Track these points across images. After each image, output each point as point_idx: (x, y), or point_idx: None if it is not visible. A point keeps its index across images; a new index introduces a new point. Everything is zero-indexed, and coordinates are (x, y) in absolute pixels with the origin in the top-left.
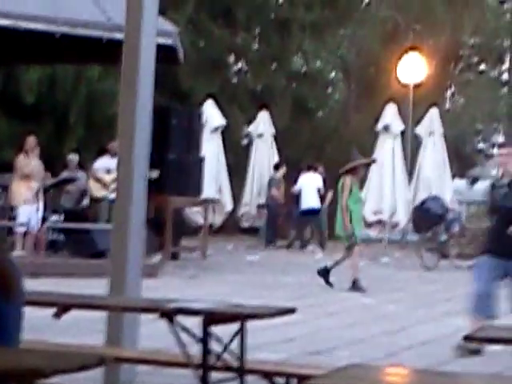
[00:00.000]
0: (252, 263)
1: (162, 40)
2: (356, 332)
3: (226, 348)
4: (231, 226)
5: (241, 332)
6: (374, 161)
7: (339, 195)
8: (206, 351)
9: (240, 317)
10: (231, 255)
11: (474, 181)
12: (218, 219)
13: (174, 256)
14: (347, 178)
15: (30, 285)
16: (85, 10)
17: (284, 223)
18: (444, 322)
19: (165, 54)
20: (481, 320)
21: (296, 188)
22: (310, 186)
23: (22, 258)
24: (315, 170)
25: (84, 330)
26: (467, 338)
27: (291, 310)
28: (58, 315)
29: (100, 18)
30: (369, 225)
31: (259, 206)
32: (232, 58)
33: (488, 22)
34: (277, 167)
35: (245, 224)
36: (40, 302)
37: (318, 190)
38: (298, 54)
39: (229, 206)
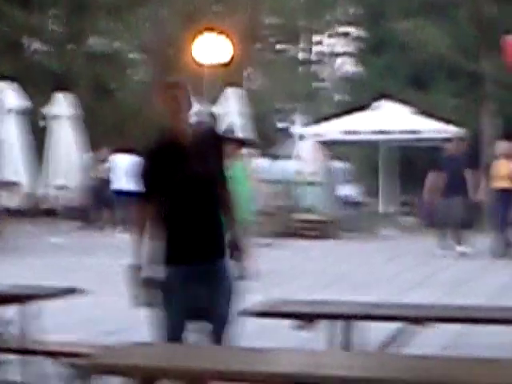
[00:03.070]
0: (56, 246)
1: None
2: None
3: (5, 329)
4: (30, 209)
5: (21, 312)
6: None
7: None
8: None
9: (20, 298)
10: (32, 238)
11: (274, 159)
12: (15, 201)
13: None
14: None
15: None
16: None
17: (100, 204)
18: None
19: None
20: None
21: (108, 167)
22: (121, 167)
23: None
24: (128, 151)
25: None
26: (249, 314)
27: (71, 290)
28: None
29: None
30: None
31: (57, 188)
32: (28, 39)
33: (285, 2)
34: (87, 149)
35: (43, 206)
36: None
37: (128, 171)
38: (98, 34)
39: (27, 188)
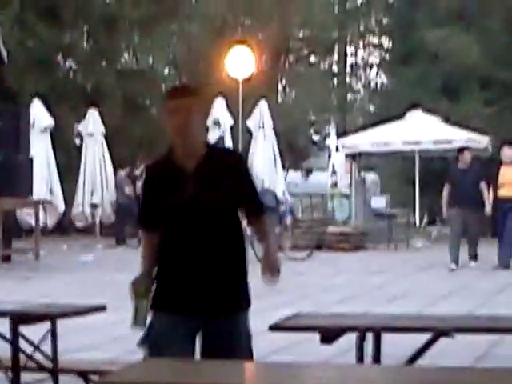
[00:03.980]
0: (87, 263)
1: None
2: None
3: (36, 348)
4: (65, 227)
5: (51, 331)
6: None
7: None
8: (16, 352)
9: (49, 316)
10: (65, 256)
11: (308, 173)
12: (50, 220)
13: (6, 258)
14: None
15: None
16: None
17: (135, 221)
18: (272, 314)
19: None
20: None
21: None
22: None
23: None
24: None
25: None
26: (273, 328)
27: (101, 308)
28: None
29: None
30: None
31: (92, 206)
32: (60, 57)
33: (316, 15)
34: (120, 166)
35: (78, 224)
36: None
37: None
38: (128, 51)
39: (61, 207)
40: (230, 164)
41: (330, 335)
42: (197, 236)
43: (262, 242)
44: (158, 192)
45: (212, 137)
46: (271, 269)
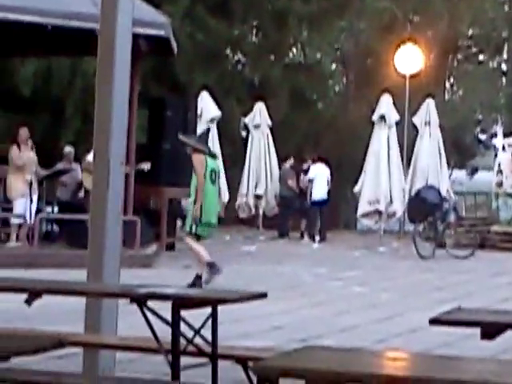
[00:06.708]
0: (248, 253)
1: (154, 31)
2: (345, 320)
3: (196, 332)
4: (229, 217)
5: (212, 316)
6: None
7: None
8: (176, 336)
9: (210, 301)
10: (228, 246)
11: (474, 171)
12: None
13: (170, 246)
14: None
15: (25, 275)
16: (76, 1)
17: (297, 214)
18: (434, 310)
19: (158, 46)
20: None
21: (309, 178)
22: (321, 177)
23: (17, 249)
24: (325, 161)
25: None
26: (433, 322)
27: (263, 295)
28: (29, 301)
29: (91, 10)
30: (365, 215)
31: (256, 197)
32: (229, 50)
33: (486, 13)
34: (285, 159)
35: (242, 215)
36: (11, 288)
37: (327, 181)
38: (296, 45)
39: (225, 197)
40: None
41: (491, 331)
42: None
43: None
44: None
45: (378, 133)
46: None
